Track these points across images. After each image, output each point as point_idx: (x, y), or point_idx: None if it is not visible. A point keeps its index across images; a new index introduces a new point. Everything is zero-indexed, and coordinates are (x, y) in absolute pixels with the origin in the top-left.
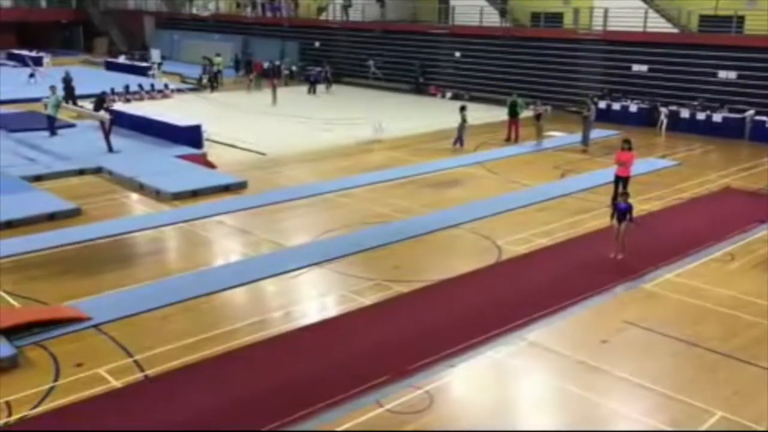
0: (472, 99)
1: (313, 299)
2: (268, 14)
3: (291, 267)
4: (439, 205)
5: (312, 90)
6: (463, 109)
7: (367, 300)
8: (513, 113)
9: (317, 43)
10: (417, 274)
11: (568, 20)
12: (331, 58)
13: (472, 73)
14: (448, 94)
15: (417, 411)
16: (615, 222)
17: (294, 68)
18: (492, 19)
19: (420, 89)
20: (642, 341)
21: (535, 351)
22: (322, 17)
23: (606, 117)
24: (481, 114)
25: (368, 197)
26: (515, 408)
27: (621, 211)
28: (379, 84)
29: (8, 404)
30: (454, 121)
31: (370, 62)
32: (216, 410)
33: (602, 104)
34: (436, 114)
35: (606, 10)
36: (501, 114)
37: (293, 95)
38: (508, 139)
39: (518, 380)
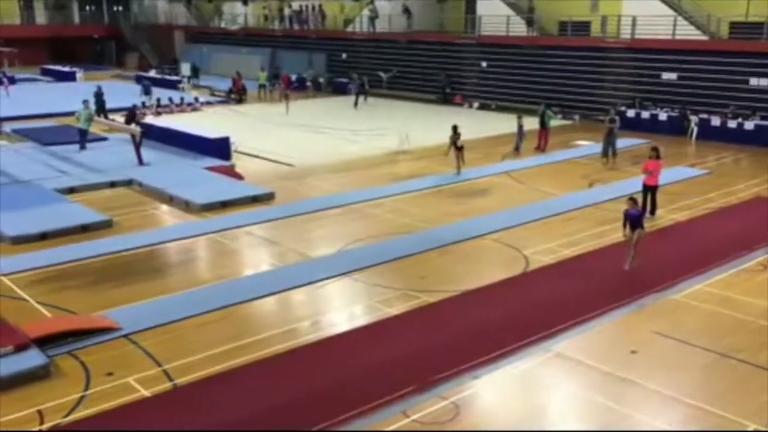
0: (499, 109)
1: (340, 309)
2: (296, 27)
3: (318, 277)
4: (466, 214)
5: (356, 103)
6: (520, 116)
7: (394, 310)
8: (542, 123)
9: (344, 55)
10: (443, 284)
11: (595, 28)
12: (358, 69)
13: (499, 83)
14: (475, 104)
15: (443, 422)
16: (628, 231)
17: (321, 80)
18: (519, 28)
19: (446, 99)
20: (672, 352)
21: (562, 362)
22: (349, 29)
23: (635, 126)
24: (507, 124)
25: (395, 207)
26: (542, 419)
27: (632, 218)
28: (405, 94)
29: (40, 413)
30: (480, 131)
31: (382, 74)
32: (243, 420)
33: (631, 113)
34: (463, 124)
35: (634, 18)
36: (529, 123)
37: (320, 106)
38: (536, 149)
39: (545, 391)
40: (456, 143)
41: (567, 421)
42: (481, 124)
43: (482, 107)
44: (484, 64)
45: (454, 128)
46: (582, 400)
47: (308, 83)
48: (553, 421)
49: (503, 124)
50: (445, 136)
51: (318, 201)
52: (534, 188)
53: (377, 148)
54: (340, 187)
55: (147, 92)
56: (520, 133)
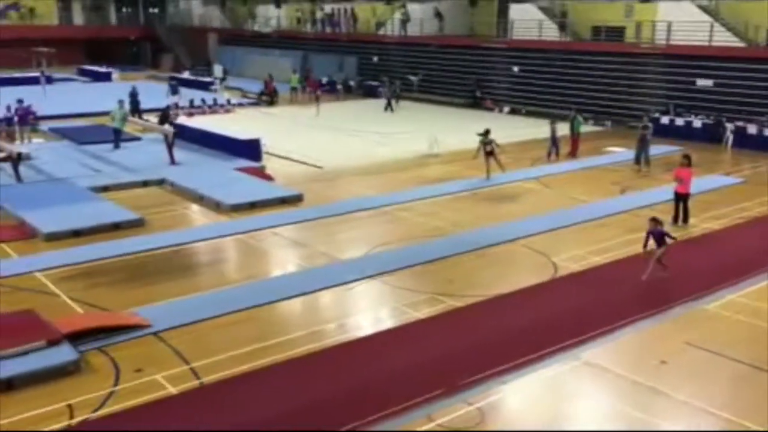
0: (529, 114)
1: (367, 312)
2: (328, 30)
3: (346, 279)
4: (495, 219)
5: (389, 107)
6: (553, 121)
7: (421, 313)
8: (572, 129)
9: (375, 58)
10: (471, 288)
11: (630, 34)
12: (389, 73)
13: (530, 88)
14: (506, 109)
15: (468, 427)
16: (651, 247)
17: (352, 83)
18: (551, 33)
19: (476, 103)
20: (703, 363)
21: (591, 370)
22: (381, 32)
23: (669, 133)
24: (537, 129)
25: (424, 211)
26: (568, 427)
27: (656, 237)
28: (435, 98)
29: (70, 407)
30: (509, 135)
31: (412, 77)
32: (269, 420)
33: (665, 119)
34: (493, 129)
35: (669, 24)
36: (560, 129)
37: (350, 109)
38: (567, 154)
39: (572, 399)
40: (486, 148)
41: (593, 429)
42: (511, 129)
43: (513, 112)
44: (515, 68)
45: (486, 132)
46: (609, 409)
47: (339, 86)
48: (580, 430)
49: (533, 129)
50: (474, 140)
51: (347, 203)
52: (564, 194)
53: (407, 152)
54: (369, 190)
55: (175, 92)
56: (554, 138)
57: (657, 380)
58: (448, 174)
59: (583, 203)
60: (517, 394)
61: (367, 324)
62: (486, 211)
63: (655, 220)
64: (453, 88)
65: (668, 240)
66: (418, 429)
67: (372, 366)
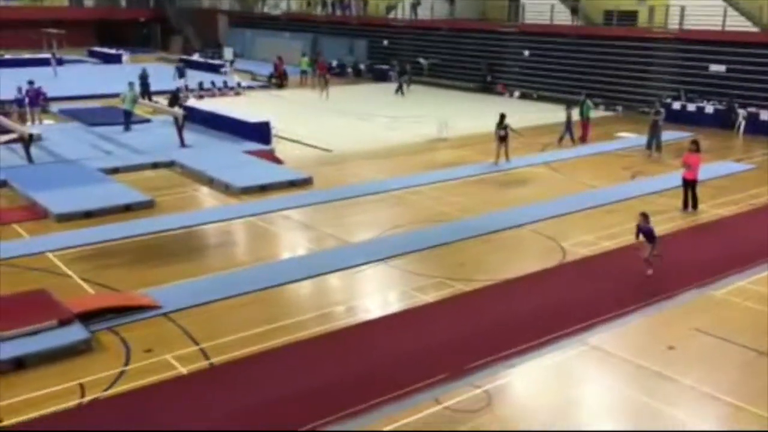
0: (540, 98)
1: (376, 295)
2: (338, 13)
3: (355, 262)
4: (505, 204)
5: (400, 90)
6: (568, 107)
7: (429, 297)
8: (582, 114)
9: (385, 42)
10: (480, 273)
11: (642, 18)
12: (399, 57)
13: (541, 72)
14: (516, 93)
15: (474, 410)
16: (643, 242)
17: (362, 66)
18: (563, 17)
19: (487, 88)
20: (711, 349)
21: (598, 355)
22: (391, 16)
23: (680, 118)
24: (548, 114)
25: (433, 195)
26: (575, 412)
27: (644, 233)
28: (446, 83)
29: (81, 386)
30: (520, 120)
31: (422, 60)
32: (276, 400)
33: (677, 105)
34: (504, 112)
35: (683, 9)
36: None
37: (360, 93)
38: (578, 139)
39: (579, 384)
40: (500, 133)
41: (600, 414)
42: (522, 114)
43: (523, 96)
44: (526, 53)
45: (502, 117)
46: (616, 394)
47: (349, 70)
48: (586, 414)
49: (544, 113)
50: (484, 124)
51: (356, 187)
52: (574, 179)
53: (416, 136)
54: (378, 174)
55: (181, 75)
56: (569, 124)
57: (664, 365)
58: (457, 158)
59: (593, 188)
60: (525, 378)
61: (376, 307)
62: (495, 196)
63: (644, 216)
64: (464, 72)
65: (657, 235)
66: (425, 412)
67: (380, 349)
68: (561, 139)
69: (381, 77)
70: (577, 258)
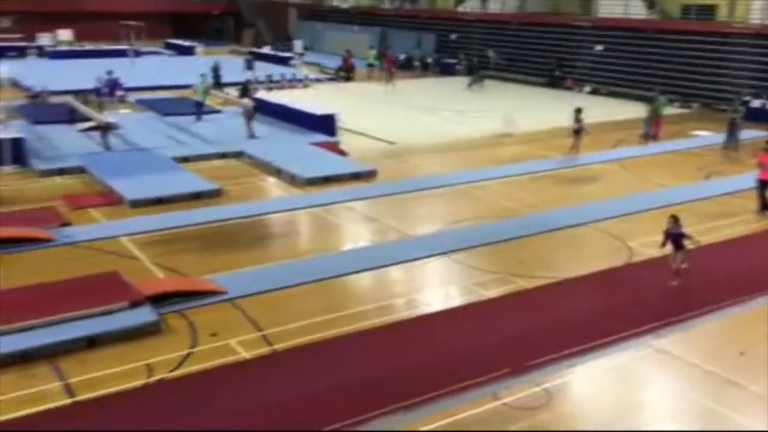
0: (611, 94)
1: (436, 288)
2: (407, 6)
3: (416, 255)
4: (571, 201)
5: (474, 84)
6: (651, 100)
7: (490, 293)
8: (655, 111)
9: (453, 35)
10: (542, 270)
11: (722, 13)
12: (467, 50)
13: (613, 68)
14: (586, 89)
15: (533, 407)
16: (670, 249)
17: (429, 60)
18: (638, 11)
19: (555, 83)
20: None
21: (663, 358)
22: (460, 9)
23: (761, 117)
24: (618, 110)
25: (498, 190)
26: (638, 414)
27: (673, 237)
28: (513, 77)
29: (149, 366)
30: (590, 116)
31: (490, 52)
32: (335, 389)
33: (756, 103)
34: (572, 108)
35: (767, 2)
36: (642, 111)
37: (426, 86)
38: (650, 137)
39: (642, 387)
40: (575, 125)
41: (663, 417)
42: (591, 110)
43: (593, 92)
44: (598, 47)
45: (578, 111)
46: (681, 399)
47: (416, 63)
48: (649, 417)
49: (615, 109)
50: (552, 120)
51: (420, 180)
52: (644, 178)
53: (482, 130)
54: (442, 168)
55: (250, 67)
56: (651, 120)
57: (733, 371)
58: (523, 154)
59: (665, 188)
60: (586, 378)
61: (436, 300)
62: (561, 193)
63: (674, 218)
64: (532, 66)
65: (687, 243)
66: (483, 407)
67: (439, 342)
68: (646, 135)
69: (448, 71)
70: (644, 258)
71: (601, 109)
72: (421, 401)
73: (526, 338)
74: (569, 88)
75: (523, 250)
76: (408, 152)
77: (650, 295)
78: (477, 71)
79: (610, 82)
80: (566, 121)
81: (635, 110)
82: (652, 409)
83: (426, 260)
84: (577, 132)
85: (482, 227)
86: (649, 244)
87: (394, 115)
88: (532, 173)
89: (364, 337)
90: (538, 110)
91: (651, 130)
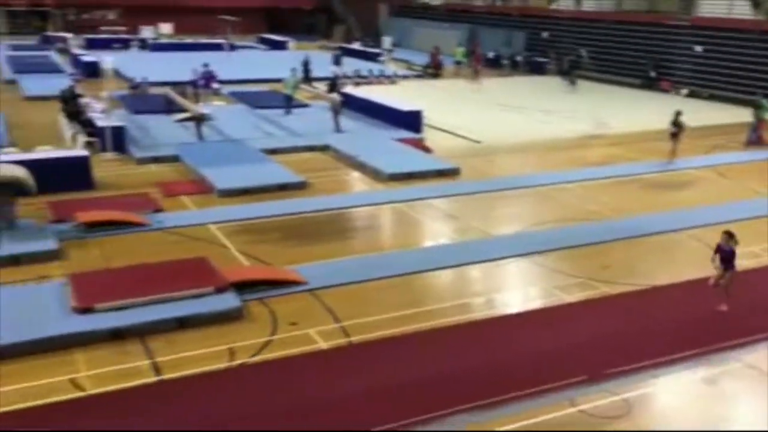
0: (712, 97)
1: (516, 290)
2: (498, 3)
3: (497, 255)
4: (660, 207)
5: (570, 83)
6: (755, 105)
7: (571, 297)
8: (757, 115)
9: (545, 34)
10: (627, 276)
11: None
12: (559, 49)
13: (713, 69)
14: (683, 91)
15: (611, 417)
16: (718, 264)
17: (518, 58)
18: (742, 11)
19: (650, 84)
20: None
21: (754, 374)
22: (553, 6)
23: None
24: (718, 114)
25: (583, 193)
26: (723, 429)
27: (725, 254)
28: (605, 77)
29: (231, 351)
30: (686, 120)
31: (583, 51)
32: (410, 384)
33: None
34: (668, 111)
35: None
36: (743, 115)
37: (515, 85)
38: (750, 143)
39: (729, 401)
40: (672, 129)
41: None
42: (689, 113)
43: (692, 95)
44: (698, 48)
45: (677, 114)
46: None
47: (505, 61)
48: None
49: (713, 113)
50: (645, 122)
51: (503, 180)
52: (742, 185)
53: (570, 131)
54: (527, 168)
55: (337, 63)
56: (758, 125)
57: None
58: (612, 157)
59: (764, 196)
60: (669, 390)
61: (516, 302)
62: (650, 198)
63: (728, 234)
64: (626, 67)
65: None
66: (559, 413)
67: (517, 344)
68: (750, 141)
69: (538, 70)
70: (739, 269)
71: (699, 113)
72: (496, 402)
73: (606, 345)
74: (665, 91)
75: (607, 256)
76: (493, 151)
77: (742, 308)
78: (568, 71)
79: (710, 85)
80: (660, 123)
81: (735, 115)
82: (739, 425)
83: (506, 261)
84: (675, 135)
85: (565, 230)
86: (745, 255)
87: (481, 114)
88: (620, 177)
89: (440, 335)
90: (630, 112)
91: (755, 136)
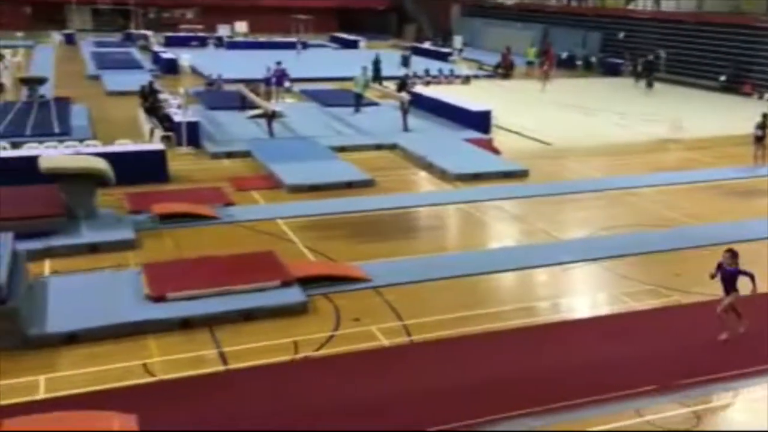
0: None
1: (583, 295)
2: (573, 3)
3: (563, 260)
4: (739, 215)
5: (649, 84)
6: None
7: (640, 305)
8: None
9: (621, 34)
10: (701, 285)
11: None
12: (635, 50)
13: None
14: (767, 96)
15: (679, 429)
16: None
17: (593, 59)
18: None
19: (731, 87)
20: None
21: None
22: (631, 6)
23: None
24: None
25: (657, 198)
26: None
27: (727, 275)
28: (684, 80)
29: (296, 344)
30: None
31: (661, 53)
32: (470, 385)
33: None
34: (748, 116)
35: None
36: None
37: (588, 87)
38: None
39: None
40: (757, 132)
41: None
42: None
43: None
44: None
45: (764, 116)
46: None
47: (578, 62)
48: None
49: None
50: (724, 127)
51: (573, 183)
52: None
53: (645, 134)
54: (598, 171)
55: (405, 64)
56: None
57: None
58: (689, 162)
59: None
60: (743, 404)
61: (582, 307)
62: (730, 205)
63: (730, 253)
64: (706, 69)
65: (751, 284)
66: (625, 422)
67: (582, 350)
68: None
69: (613, 71)
70: None
71: None
72: (559, 408)
73: (677, 356)
74: (747, 94)
75: (680, 263)
76: (563, 154)
77: None
78: (643, 72)
79: None
80: (740, 128)
81: None
82: None
83: (573, 265)
84: (760, 139)
85: (636, 235)
86: None
87: (552, 115)
88: (698, 182)
89: (503, 337)
90: (710, 116)
91: None
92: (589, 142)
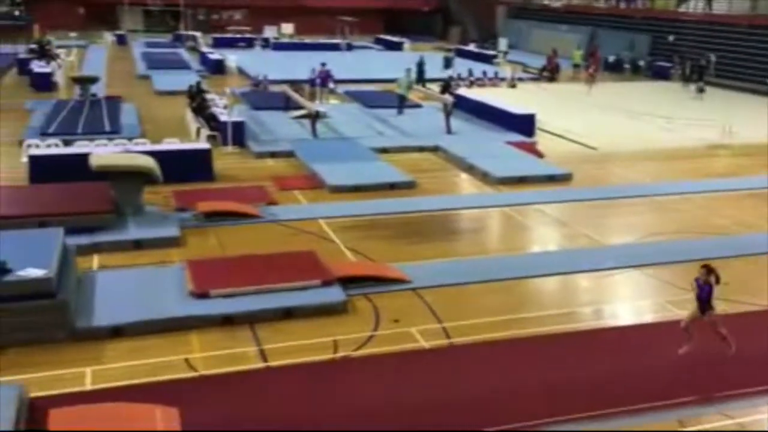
0: None
1: (626, 302)
2: (622, 5)
3: (606, 265)
4: None
5: (700, 89)
6: None
7: (685, 313)
8: None
9: (671, 37)
10: (747, 295)
11: None
12: (685, 54)
13: None
14: None
15: None
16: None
17: (641, 62)
18: None
19: None
20: None
21: None
22: (681, 9)
23: None
24: None
25: (705, 205)
26: None
27: (700, 294)
28: (736, 84)
29: (335, 343)
30: None
31: (712, 56)
32: (508, 390)
33: None
34: None
35: None
36: None
37: (635, 90)
38: None
39: None
40: None
41: None
42: None
43: None
44: None
45: None
46: None
47: (626, 65)
48: None
49: None
50: None
51: (618, 188)
52: None
53: (693, 139)
54: (644, 176)
55: (447, 66)
56: None
57: None
58: (739, 168)
59: None
60: None
61: (625, 314)
62: None
63: (706, 269)
64: (759, 74)
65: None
66: (665, 431)
67: (624, 357)
68: None
69: (661, 75)
70: None
71: None
72: (599, 415)
73: (722, 365)
74: None
75: (728, 272)
76: (608, 158)
77: None
78: (693, 76)
79: None
80: None
81: None
82: None
83: (617, 271)
84: None
85: (682, 242)
86: None
87: (597, 119)
88: (748, 189)
89: (544, 342)
90: (760, 122)
91: None
92: (635, 147)
